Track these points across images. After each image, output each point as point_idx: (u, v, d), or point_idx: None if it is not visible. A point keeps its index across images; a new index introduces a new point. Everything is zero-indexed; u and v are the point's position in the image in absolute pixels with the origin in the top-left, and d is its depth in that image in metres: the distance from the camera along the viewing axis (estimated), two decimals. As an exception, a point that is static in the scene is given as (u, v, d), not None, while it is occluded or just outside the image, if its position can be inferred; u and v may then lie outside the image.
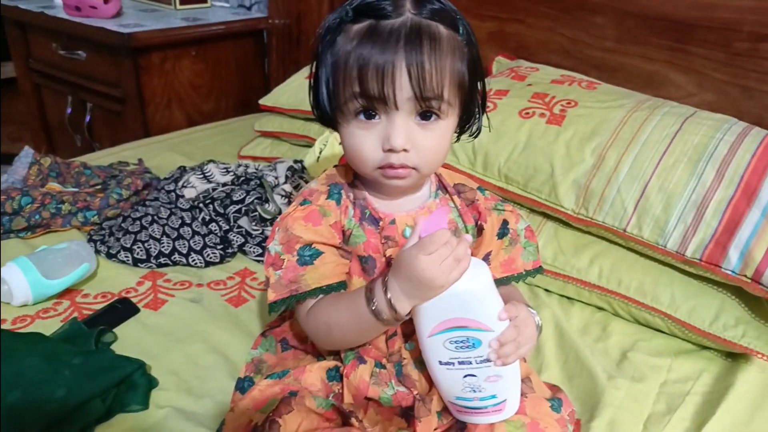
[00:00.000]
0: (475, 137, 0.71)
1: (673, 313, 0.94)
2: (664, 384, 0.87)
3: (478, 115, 0.69)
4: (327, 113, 0.65)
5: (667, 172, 0.96)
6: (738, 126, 1.01)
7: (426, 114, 0.62)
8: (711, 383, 0.87)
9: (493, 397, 0.61)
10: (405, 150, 0.61)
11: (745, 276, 0.88)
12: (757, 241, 0.88)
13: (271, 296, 0.67)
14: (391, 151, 0.61)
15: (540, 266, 0.76)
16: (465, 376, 0.60)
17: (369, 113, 0.61)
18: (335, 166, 0.75)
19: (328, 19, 0.63)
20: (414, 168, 0.63)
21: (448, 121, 0.64)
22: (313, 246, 0.66)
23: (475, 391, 0.61)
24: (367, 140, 0.62)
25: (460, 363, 0.60)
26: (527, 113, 1.11)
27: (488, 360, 0.59)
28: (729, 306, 0.92)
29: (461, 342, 0.58)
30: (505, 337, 0.59)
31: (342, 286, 0.68)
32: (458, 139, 0.71)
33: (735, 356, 0.92)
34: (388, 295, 0.59)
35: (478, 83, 0.67)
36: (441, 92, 0.60)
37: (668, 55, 1.26)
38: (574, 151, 1.03)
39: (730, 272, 0.89)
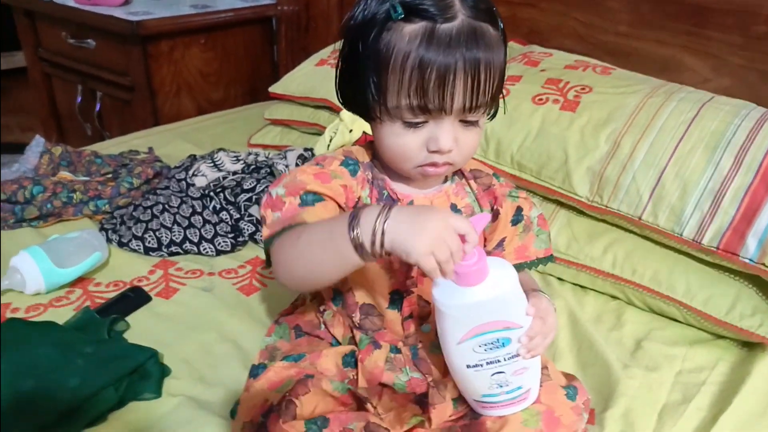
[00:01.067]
0: (491, 119, 0.70)
1: (689, 302, 0.92)
2: (680, 374, 0.86)
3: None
4: (365, 107, 0.64)
5: (683, 159, 0.94)
6: (756, 111, 0.99)
7: (470, 118, 0.63)
8: (727, 373, 0.86)
9: (519, 388, 0.61)
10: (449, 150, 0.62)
11: (764, 264, 0.87)
12: (776, 229, 0.86)
13: (265, 233, 0.65)
14: (436, 152, 0.62)
15: (551, 255, 0.76)
16: (493, 374, 0.59)
17: (420, 120, 0.61)
18: (352, 145, 0.74)
19: (370, 9, 0.60)
20: (452, 163, 0.64)
21: (484, 118, 0.65)
22: (317, 194, 0.65)
23: (501, 386, 0.60)
24: (412, 140, 0.62)
25: (488, 363, 0.59)
26: (540, 99, 1.09)
27: (516, 355, 0.58)
28: (746, 295, 0.91)
29: (491, 344, 0.57)
30: (533, 330, 0.58)
31: None
32: None
33: (751, 345, 0.91)
34: (384, 223, 0.54)
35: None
36: (489, 99, 0.61)
37: (684, 39, 1.24)
38: (588, 137, 1.01)
39: (748, 260, 0.88)
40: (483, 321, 0.56)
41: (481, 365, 0.59)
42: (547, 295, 0.66)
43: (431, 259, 0.53)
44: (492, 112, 0.69)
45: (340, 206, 0.67)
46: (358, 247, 0.55)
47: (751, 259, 0.88)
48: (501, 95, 0.67)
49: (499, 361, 0.58)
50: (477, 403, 0.64)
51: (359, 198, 0.68)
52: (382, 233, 0.54)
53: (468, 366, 0.59)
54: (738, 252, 0.88)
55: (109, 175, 1.26)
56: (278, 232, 0.63)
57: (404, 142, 0.62)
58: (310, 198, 0.65)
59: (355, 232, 0.55)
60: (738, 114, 0.97)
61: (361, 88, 0.62)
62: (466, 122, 0.62)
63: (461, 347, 0.58)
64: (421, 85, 0.57)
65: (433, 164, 0.63)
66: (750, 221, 0.88)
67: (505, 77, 0.65)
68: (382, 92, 0.60)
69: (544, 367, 0.68)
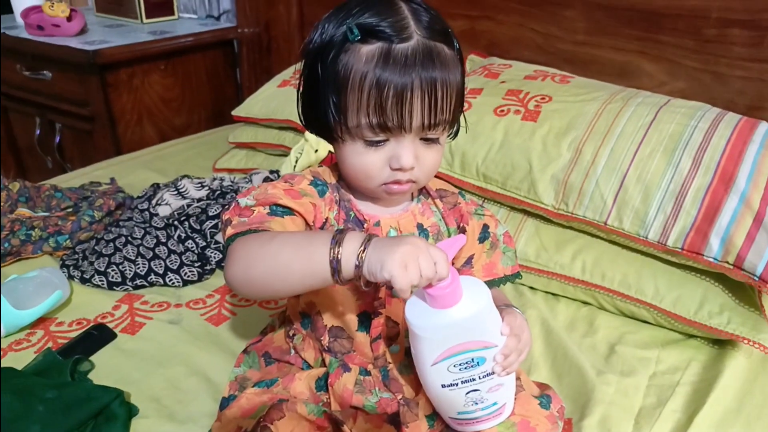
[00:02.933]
0: (453, 138, 0.71)
1: (658, 303, 0.93)
2: (653, 376, 0.86)
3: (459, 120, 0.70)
4: (327, 128, 0.64)
5: (644, 163, 0.96)
6: (711, 112, 1.01)
7: (430, 136, 0.63)
8: (700, 372, 0.87)
9: (494, 404, 0.61)
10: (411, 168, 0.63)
11: (727, 262, 0.88)
12: (737, 227, 0.88)
13: (229, 232, 0.63)
14: (399, 170, 0.62)
15: (518, 272, 0.76)
16: (468, 393, 0.59)
17: (380, 139, 0.62)
18: (318, 166, 0.74)
19: (327, 32, 0.61)
20: (414, 181, 0.65)
21: (444, 135, 0.66)
22: (288, 208, 0.65)
23: (477, 404, 0.60)
24: (374, 159, 0.62)
25: (463, 382, 0.58)
26: (502, 111, 1.10)
27: (491, 373, 0.58)
28: (713, 293, 0.92)
29: (466, 363, 0.57)
30: (508, 348, 0.58)
31: None
32: None
33: (722, 343, 0.92)
34: (365, 252, 0.54)
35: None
36: (448, 116, 0.62)
37: (639, 45, 1.27)
38: (550, 146, 1.02)
39: (712, 259, 0.89)
40: (458, 342, 0.56)
41: (456, 384, 0.58)
42: (519, 310, 0.66)
43: (404, 273, 0.52)
44: (453, 131, 0.69)
45: (308, 224, 0.67)
46: (335, 269, 0.55)
47: (715, 258, 0.89)
48: (461, 113, 0.68)
49: (474, 379, 0.58)
50: (453, 420, 0.63)
51: (327, 219, 0.67)
52: (362, 261, 0.54)
53: (443, 386, 0.59)
54: (702, 251, 0.90)
55: (70, 209, 1.23)
56: (243, 232, 0.62)
57: (366, 161, 0.63)
58: (280, 210, 0.64)
59: (335, 253, 0.55)
60: (694, 116, 0.99)
61: (322, 110, 0.62)
62: (426, 140, 0.63)
63: (436, 368, 0.57)
64: (379, 103, 0.58)
65: (397, 182, 0.64)
66: (711, 221, 0.90)
67: (464, 95, 0.66)
68: (342, 112, 0.61)
69: (517, 378, 0.68)
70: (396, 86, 0.57)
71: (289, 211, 0.65)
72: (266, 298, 0.65)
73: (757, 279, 0.86)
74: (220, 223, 1.11)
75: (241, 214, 0.64)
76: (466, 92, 0.67)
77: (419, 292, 0.56)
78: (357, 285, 0.57)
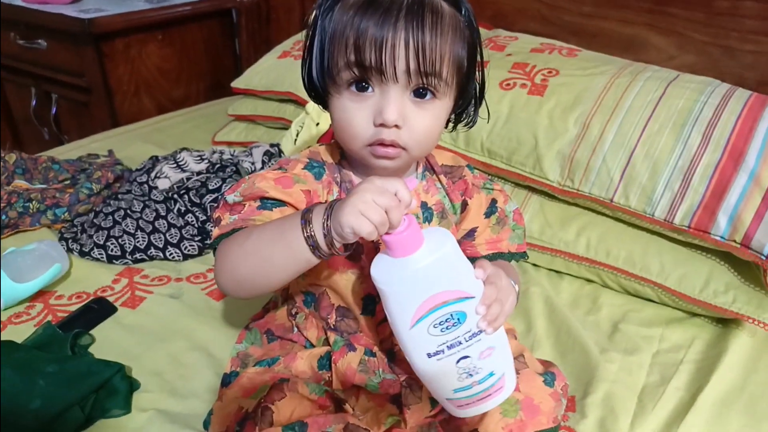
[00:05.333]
0: (470, 127, 0.68)
1: (663, 281, 0.93)
2: (657, 354, 0.86)
3: (475, 105, 0.67)
4: (318, 85, 0.62)
5: (652, 139, 0.94)
6: (722, 88, 0.99)
7: (421, 91, 0.59)
8: (703, 350, 0.87)
9: (491, 374, 0.57)
10: (397, 126, 0.58)
11: (735, 241, 0.87)
12: (746, 205, 0.87)
13: (215, 233, 0.63)
14: (383, 126, 0.58)
15: (524, 252, 0.74)
16: (458, 361, 0.55)
17: (362, 85, 0.58)
18: (321, 144, 0.72)
19: None
20: (404, 148, 0.60)
21: (444, 103, 0.61)
22: (277, 200, 0.63)
23: (471, 375, 0.56)
24: (358, 113, 0.59)
25: (449, 348, 0.54)
26: (508, 84, 1.07)
27: (477, 333, 0.53)
28: (718, 272, 0.91)
29: (445, 321, 0.52)
30: (488, 297, 0.54)
31: None
32: (454, 128, 0.68)
33: (726, 322, 0.91)
34: (329, 219, 0.53)
35: (477, 71, 0.64)
36: (439, 69, 0.58)
37: (647, 17, 1.23)
38: (557, 121, 1.00)
39: (719, 238, 0.88)
40: (429, 293, 0.51)
41: (442, 351, 0.53)
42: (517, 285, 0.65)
43: (362, 220, 0.50)
44: (470, 119, 0.67)
45: None
46: (313, 247, 0.54)
47: (722, 237, 0.88)
48: (474, 96, 0.65)
49: (460, 342, 0.53)
50: (452, 404, 0.59)
51: (326, 202, 0.65)
52: (329, 229, 0.53)
53: (429, 355, 0.53)
54: (709, 230, 0.89)
55: (68, 182, 1.21)
56: (228, 233, 0.61)
57: (351, 115, 0.60)
58: (269, 203, 0.63)
59: (308, 232, 0.54)
60: (704, 91, 0.97)
61: (313, 64, 0.61)
62: (417, 95, 0.59)
63: (415, 333, 0.53)
64: (356, 44, 0.56)
65: (381, 142, 0.59)
66: (720, 198, 0.88)
67: (472, 70, 0.63)
68: (328, 62, 0.59)
69: (520, 355, 0.67)
70: (375, 28, 0.55)
71: (280, 202, 0.63)
72: (261, 294, 0.63)
73: (764, 258, 0.85)
74: (220, 197, 1.10)
75: (231, 210, 0.63)
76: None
77: (384, 252, 0.53)
78: (362, 266, 0.55)
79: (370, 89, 0.58)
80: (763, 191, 0.87)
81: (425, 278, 0.51)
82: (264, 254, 0.58)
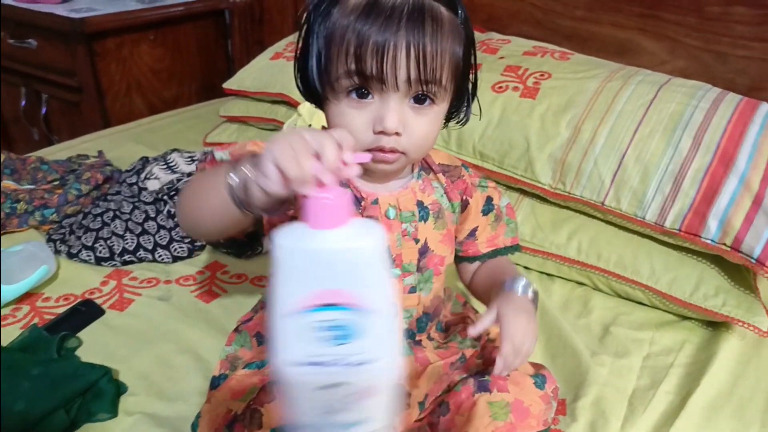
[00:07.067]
0: (463, 125, 0.68)
1: (654, 284, 0.93)
2: (647, 357, 0.86)
3: (467, 102, 0.66)
4: (315, 89, 0.61)
5: (643, 143, 0.94)
6: (712, 92, 1.00)
7: (420, 97, 0.59)
8: (693, 354, 0.87)
9: (357, 425, 0.44)
10: (397, 134, 0.58)
11: (725, 244, 0.88)
12: (736, 209, 0.87)
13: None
14: (382, 133, 0.58)
15: (518, 244, 0.76)
16: (321, 389, 0.42)
17: (362, 92, 0.58)
18: None
19: None
20: (403, 153, 0.60)
21: (441, 107, 0.61)
22: None
23: (333, 413, 0.43)
24: (357, 120, 0.58)
25: (316, 364, 0.41)
26: (500, 87, 1.07)
27: (362, 363, 0.41)
28: (709, 275, 0.91)
29: (328, 328, 0.41)
30: (507, 354, 0.59)
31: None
32: (446, 125, 0.68)
33: (716, 325, 0.92)
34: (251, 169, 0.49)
35: (471, 71, 0.64)
36: (439, 76, 0.57)
37: (639, 22, 1.24)
38: (549, 124, 1.00)
39: (709, 241, 0.88)
40: (324, 286, 0.40)
41: (311, 364, 0.41)
42: (523, 278, 0.66)
43: (271, 167, 0.45)
44: (463, 118, 0.67)
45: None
46: (230, 187, 0.51)
47: (712, 240, 0.88)
48: (467, 94, 0.65)
49: (335, 364, 0.41)
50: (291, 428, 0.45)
51: None
52: (248, 172, 0.49)
53: (293, 363, 0.41)
54: (700, 233, 0.89)
55: (56, 182, 1.20)
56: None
57: (350, 121, 0.59)
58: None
59: (230, 176, 0.51)
60: (695, 95, 0.98)
61: (310, 65, 0.60)
62: (417, 102, 0.58)
63: (288, 323, 0.41)
64: (357, 52, 0.55)
65: (380, 149, 0.59)
66: (710, 202, 0.89)
67: (470, 68, 0.63)
68: (326, 67, 0.58)
69: None
70: (377, 36, 0.54)
71: None
72: (205, 235, 0.60)
73: (754, 261, 0.85)
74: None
75: (216, 166, 0.62)
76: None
77: (300, 222, 0.42)
78: (259, 206, 0.51)
79: (370, 96, 0.58)
80: (752, 195, 0.87)
81: (331, 266, 0.41)
82: (200, 196, 0.56)
